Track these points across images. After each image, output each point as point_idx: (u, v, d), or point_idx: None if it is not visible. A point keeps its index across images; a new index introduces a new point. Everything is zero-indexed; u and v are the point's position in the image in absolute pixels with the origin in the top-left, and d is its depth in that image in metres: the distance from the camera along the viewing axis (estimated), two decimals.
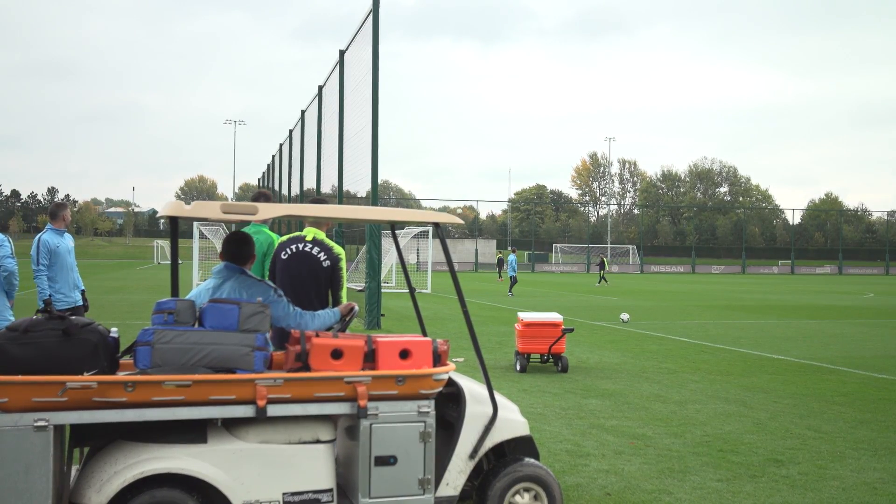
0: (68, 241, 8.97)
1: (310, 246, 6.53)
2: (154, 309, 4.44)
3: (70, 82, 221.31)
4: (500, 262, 51.57)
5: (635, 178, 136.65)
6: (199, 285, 5.21)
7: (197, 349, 4.28)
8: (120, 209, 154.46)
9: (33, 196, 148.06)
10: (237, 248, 5.16)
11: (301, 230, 6.80)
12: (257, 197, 6.90)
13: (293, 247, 6.53)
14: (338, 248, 6.62)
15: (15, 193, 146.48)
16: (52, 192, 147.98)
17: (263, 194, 7.00)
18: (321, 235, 6.63)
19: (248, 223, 6.80)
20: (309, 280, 6.46)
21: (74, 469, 4.65)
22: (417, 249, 53.57)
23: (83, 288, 9.21)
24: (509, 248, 37.03)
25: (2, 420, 3.90)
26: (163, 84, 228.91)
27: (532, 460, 4.97)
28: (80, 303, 9.00)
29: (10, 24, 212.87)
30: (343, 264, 6.56)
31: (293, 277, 6.45)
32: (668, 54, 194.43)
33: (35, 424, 3.93)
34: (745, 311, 25.56)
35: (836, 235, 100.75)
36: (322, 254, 6.50)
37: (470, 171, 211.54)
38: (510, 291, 33.45)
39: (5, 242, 8.23)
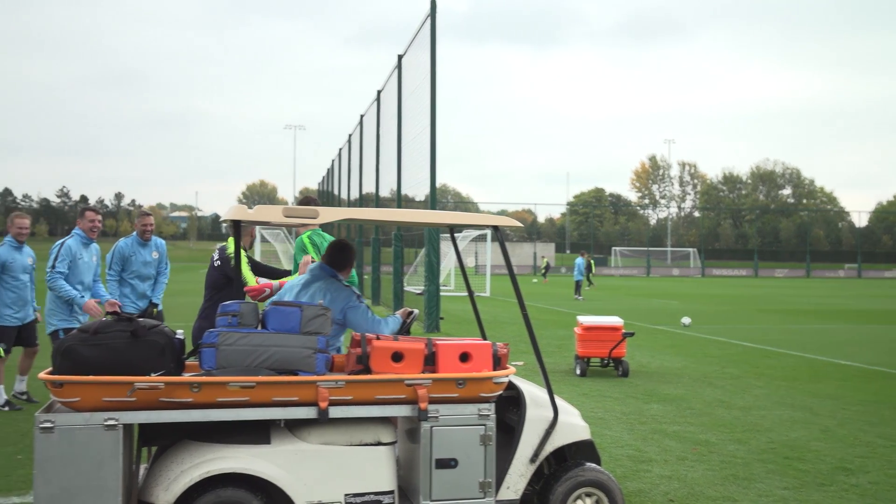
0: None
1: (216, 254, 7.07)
2: (218, 311, 4.51)
3: (135, 90, 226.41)
4: (548, 267, 51.50)
5: (695, 181, 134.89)
6: (293, 279, 5.51)
7: (260, 351, 4.34)
8: (183, 213, 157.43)
9: (101, 201, 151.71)
10: (336, 254, 5.53)
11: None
12: (305, 202, 7.01)
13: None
14: (230, 248, 6.89)
15: (83, 198, 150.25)
16: (118, 196, 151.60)
17: (312, 199, 7.12)
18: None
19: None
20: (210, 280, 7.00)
21: (143, 468, 4.75)
22: (476, 253, 53.64)
23: (154, 300, 9.20)
24: (579, 253, 36.98)
25: (74, 419, 4.00)
26: (224, 91, 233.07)
27: (593, 465, 4.93)
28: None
29: (79, 36, 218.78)
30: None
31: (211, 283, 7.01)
32: (724, 55, 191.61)
33: (105, 423, 4.02)
34: (810, 316, 25.01)
35: None
36: (215, 254, 7.05)
37: (527, 174, 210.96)
38: (580, 294, 33.06)
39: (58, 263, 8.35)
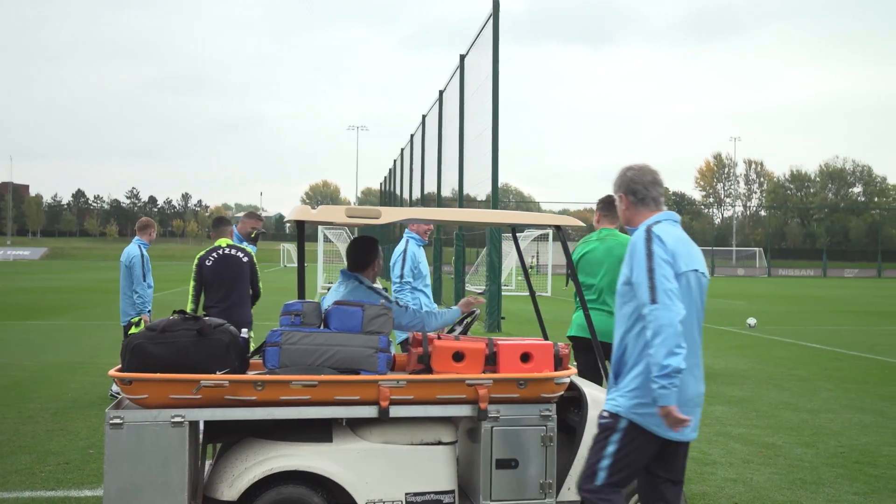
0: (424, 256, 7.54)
1: (227, 250, 7.98)
2: (281, 311, 4.56)
3: (201, 94, 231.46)
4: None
5: (762, 179, 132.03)
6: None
7: (322, 350, 4.37)
8: None
9: (168, 202, 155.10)
10: (353, 253, 5.27)
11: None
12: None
13: (214, 254, 7.95)
14: (248, 249, 8.22)
15: (152, 199, 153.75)
16: (185, 197, 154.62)
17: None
18: (231, 241, 8.13)
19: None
20: (238, 275, 7.93)
21: (208, 464, 4.84)
22: (537, 252, 53.39)
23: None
24: None
25: (143, 415, 4.09)
26: (287, 93, 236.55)
27: None
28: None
29: (145, 41, 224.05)
30: (254, 260, 8.19)
31: (224, 277, 7.86)
32: (790, 51, 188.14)
33: (172, 420, 4.10)
34: (881, 317, 24.34)
35: None
36: (240, 253, 8.01)
37: (588, 173, 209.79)
38: None
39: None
